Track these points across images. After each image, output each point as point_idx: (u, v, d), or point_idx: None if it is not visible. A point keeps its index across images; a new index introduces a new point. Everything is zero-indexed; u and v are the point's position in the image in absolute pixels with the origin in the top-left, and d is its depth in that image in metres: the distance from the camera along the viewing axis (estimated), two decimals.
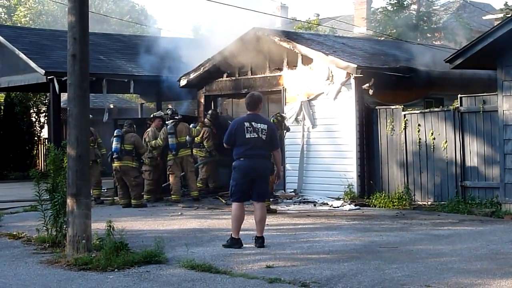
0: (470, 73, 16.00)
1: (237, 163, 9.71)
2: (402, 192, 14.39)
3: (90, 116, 15.60)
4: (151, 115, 17.17)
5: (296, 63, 16.39)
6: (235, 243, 9.60)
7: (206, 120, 17.28)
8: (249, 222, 10.38)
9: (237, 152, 9.70)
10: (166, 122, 16.08)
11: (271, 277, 7.64)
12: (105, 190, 18.75)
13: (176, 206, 15.28)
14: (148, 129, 16.32)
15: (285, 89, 16.64)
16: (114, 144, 15.21)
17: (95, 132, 15.76)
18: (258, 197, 9.76)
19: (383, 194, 14.58)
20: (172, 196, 16.01)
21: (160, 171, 16.60)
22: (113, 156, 15.22)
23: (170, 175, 16.17)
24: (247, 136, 9.61)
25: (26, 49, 19.60)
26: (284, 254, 9.13)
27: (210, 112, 17.65)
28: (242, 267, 8.31)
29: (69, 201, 9.30)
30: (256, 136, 9.62)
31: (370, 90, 14.86)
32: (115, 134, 15.39)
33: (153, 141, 15.91)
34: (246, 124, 9.67)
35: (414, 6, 28.10)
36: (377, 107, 15.12)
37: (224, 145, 10.01)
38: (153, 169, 16.14)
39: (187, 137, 16.13)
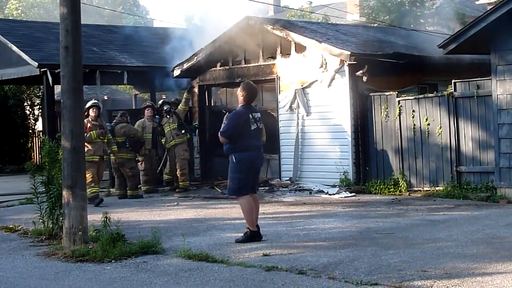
0: (464, 58, 15.99)
1: (243, 155, 9.38)
2: (398, 178, 14.41)
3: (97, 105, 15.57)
4: (142, 105, 17.14)
5: (290, 51, 16.34)
6: (255, 235, 9.33)
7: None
8: (238, 211, 10.29)
9: (243, 144, 9.39)
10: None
11: (268, 265, 7.65)
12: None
13: (172, 196, 15.29)
14: (143, 119, 16.25)
15: (279, 77, 16.60)
16: None
17: (106, 127, 15.35)
18: (257, 189, 9.87)
19: (379, 181, 14.61)
20: (180, 183, 16.06)
21: (154, 161, 16.57)
22: (108, 152, 15.27)
23: (183, 159, 16.20)
24: (252, 128, 9.46)
25: (19, 41, 19.51)
26: (281, 242, 9.15)
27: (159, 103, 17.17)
28: (239, 256, 8.33)
29: (64, 193, 9.30)
30: (257, 126, 9.52)
31: (364, 77, 14.84)
32: None
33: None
34: (250, 115, 9.50)
35: None
36: (371, 94, 15.11)
37: (222, 137, 9.47)
38: (144, 159, 16.06)
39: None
